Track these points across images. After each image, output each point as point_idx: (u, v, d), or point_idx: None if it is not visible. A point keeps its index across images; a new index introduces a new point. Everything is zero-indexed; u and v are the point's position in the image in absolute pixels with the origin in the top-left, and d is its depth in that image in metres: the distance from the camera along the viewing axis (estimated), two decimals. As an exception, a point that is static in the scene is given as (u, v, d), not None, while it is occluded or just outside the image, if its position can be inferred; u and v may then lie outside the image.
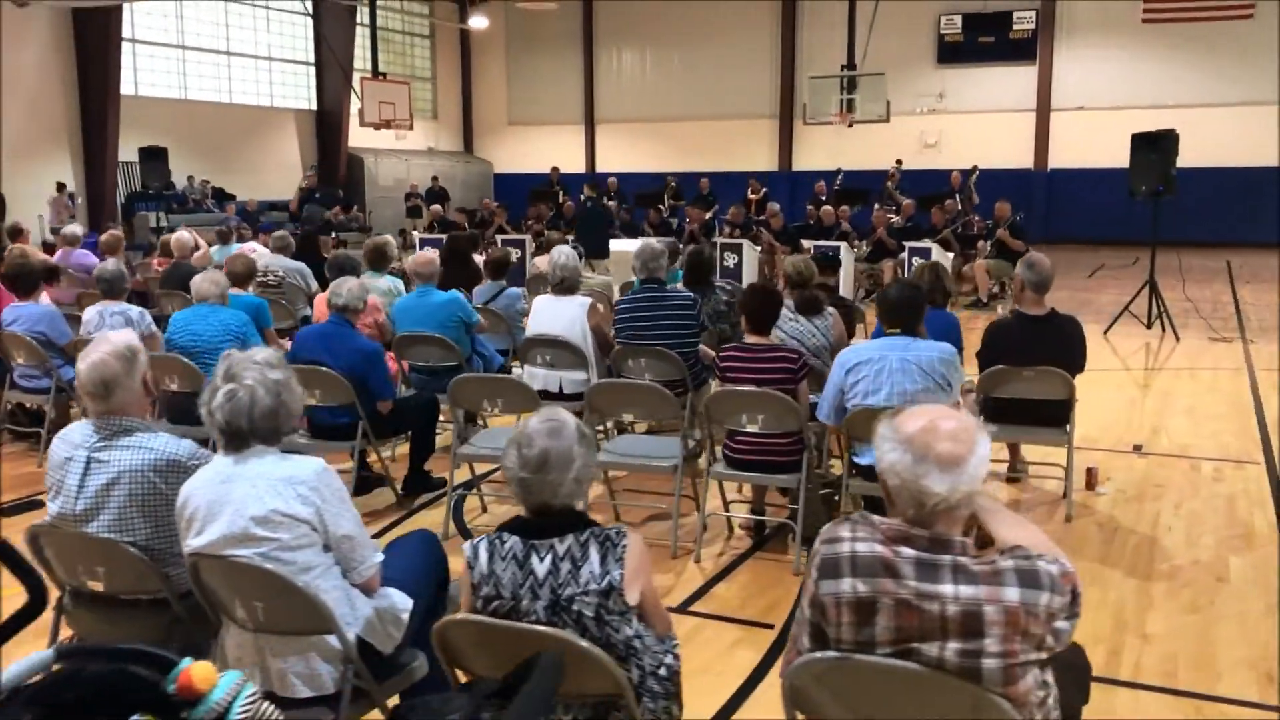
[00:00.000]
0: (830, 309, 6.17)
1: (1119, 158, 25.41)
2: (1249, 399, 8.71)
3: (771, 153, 29.56)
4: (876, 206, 16.53)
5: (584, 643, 2.38)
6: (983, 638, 2.13)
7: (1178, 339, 11.69)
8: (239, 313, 6.08)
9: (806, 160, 29.12)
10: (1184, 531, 5.61)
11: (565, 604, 2.45)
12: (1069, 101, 26.38)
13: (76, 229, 11.75)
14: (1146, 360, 10.78)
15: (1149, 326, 12.17)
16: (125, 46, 23.29)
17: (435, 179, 27.24)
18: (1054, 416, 5.82)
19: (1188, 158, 24.74)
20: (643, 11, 30.06)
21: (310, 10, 27.40)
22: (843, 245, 15.23)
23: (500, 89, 32.76)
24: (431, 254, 7.00)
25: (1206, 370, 10.09)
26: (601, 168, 30.69)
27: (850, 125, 23.99)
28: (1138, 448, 7.26)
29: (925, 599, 2.16)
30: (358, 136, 26.88)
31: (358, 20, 28.04)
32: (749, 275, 15.94)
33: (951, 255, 14.94)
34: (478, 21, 30.01)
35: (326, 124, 28.50)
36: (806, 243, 15.79)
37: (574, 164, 31.19)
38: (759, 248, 16.39)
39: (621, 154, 30.86)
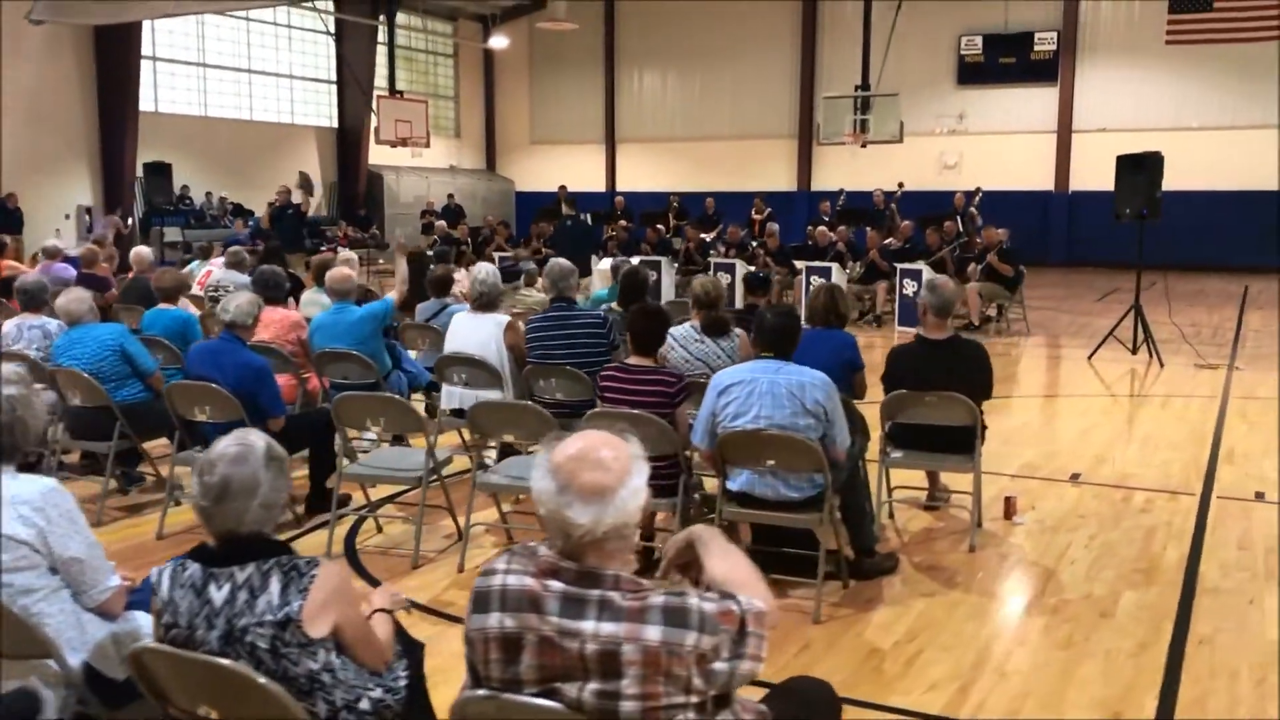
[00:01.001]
0: (738, 330, 6.05)
1: (1143, 180, 25.41)
2: (1212, 428, 8.47)
3: (791, 172, 29.45)
4: (869, 230, 16.32)
5: (259, 677, 2.29)
6: (620, 678, 2.02)
7: (1161, 365, 11.42)
8: (116, 326, 6.09)
9: (826, 180, 28.89)
10: (1087, 564, 5.42)
11: (239, 635, 2.36)
12: (1091, 123, 26.03)
13: (58, 243, 11.85)
14: (1124, 387, 10.54)
15: (1134, 352, 11.91)
16: (145, 64, 23.67)
17: (451, 196, 27.37)
18: (962, 443, 5.67)
19: (1212, 180, 24.64)
20: (664, 32, 30.11)
21: (332, 30, 27.71)
22: (834, 266, 15.10)
23: (523, 108, 32.91)
24: (349, 270, 6.96)
25: (1181, 398, 9.84)
26: (622, 186, 30.72)
27: (864, 145, 23.84)
28: (1075, 477, 7.07)
29: (566, 636, 2.06)
30: (381, 154, 27.06)
31: (379, 40, 28.34)
32: (741, 296, 15.85)
33: (945, 278, 14.72)
34: (498, 41, 30.18)
35: (347, 141, 28.73)
36: (800, 263, 15.69)
37: (595, 183, 31.31)
38: (753, 267, 16.26)
39: (642, 173, 30.87)
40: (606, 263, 16.30)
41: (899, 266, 14.79)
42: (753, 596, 2.23)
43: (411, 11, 29.73)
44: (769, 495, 4.78)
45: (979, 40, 26.93)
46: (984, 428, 5.86)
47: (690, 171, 29.80)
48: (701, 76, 30.13)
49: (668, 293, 16.42)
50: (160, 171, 17.61)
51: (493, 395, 6.39)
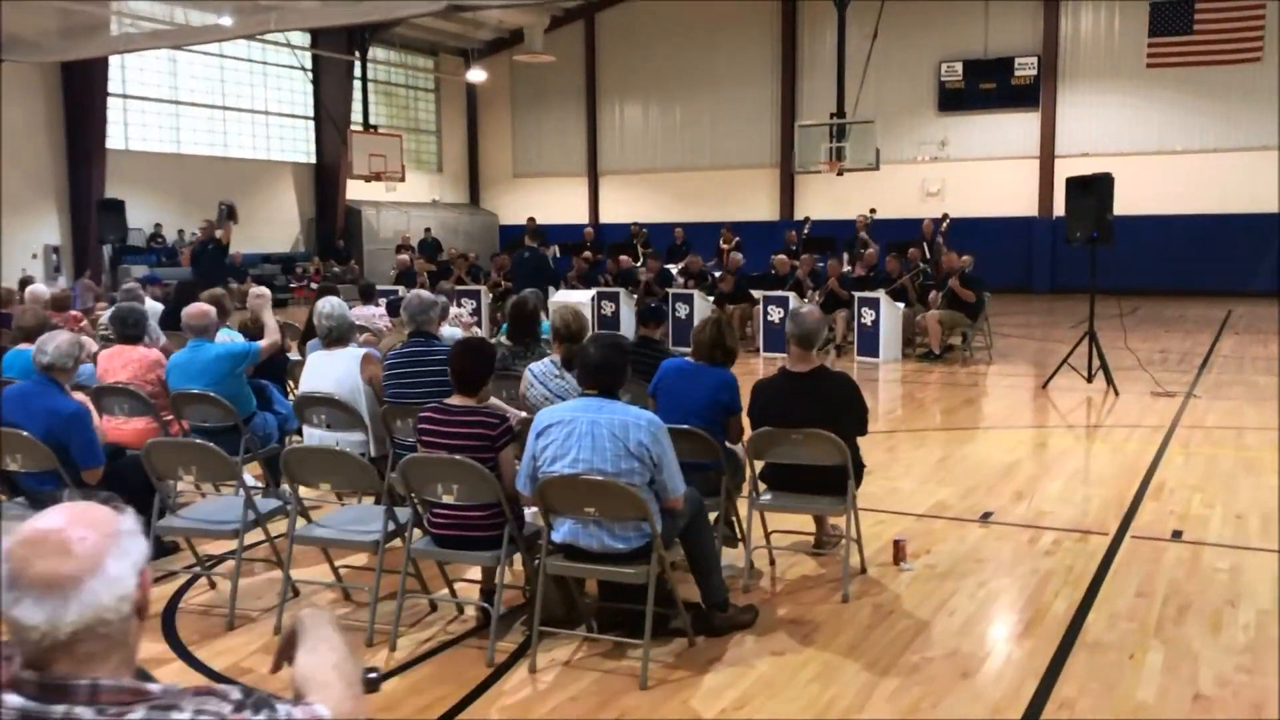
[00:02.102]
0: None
1: (1128, 205, 24.87)
2: (1148, 461, 8.02)
3: (773, 202, 29.17)
4: (829, 258, 15.95)
5: None
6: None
7: (1116, 394, 10.98)
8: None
9: (809, 209, 28.52)
10: (966, 616, 4.99)
11: None
12: (1073, 148, 25.63)
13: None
14: (1071, 417, 10.10)
15: (1089, 380, 11.47)
16: (116, 102, 23.52)
17: (428, 230, 27.14)
18: (838, 483, 5.25)
19: (1196, 204, 24.22)
20: (644, 65, 29.94)
21: (308, 66, 27.56)
22: (791, 295, 14.71)
23: (505, 142, 32.73)
24: (206, 306, 6.58)
25: (1125, 429, 9.39)
26: (605, 219, 30.51)
27: (840, 174, 23.48)
28: (986, 516, 6.63)
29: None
30: (362, 190, 26.81)
31: (356, 75, 28.18)
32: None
33: (902, 306, 14.34)
34: (476, 75, 30.02)
35: (325, 177, 28.53)
36: (756, 293, 15.31)
37: (578, 215, 31.07)
38: (711, 298, 15.89)
39: (625, 205, 30.58)
40: (564, 295, 15.98)
41: (856, 295, 14.40)
42: (325, 701, 1.82)
43: (391, 47, 29.63)
44: (593, 546, 4.37)
45: (959, 66, 26.66)
46: (860, 466, 5.45)
47: (673, 203, 29.57)
48: (682, 108, 29.94)
49: (626, 325, 16.08)
50: (113, 209, 17.32)
51: (354, 438, 6.01)
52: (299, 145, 28.47)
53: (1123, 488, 7.27)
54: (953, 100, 26.83)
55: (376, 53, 29.69)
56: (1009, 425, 9.67)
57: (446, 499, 4.51)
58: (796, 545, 6.01)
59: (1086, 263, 24.85)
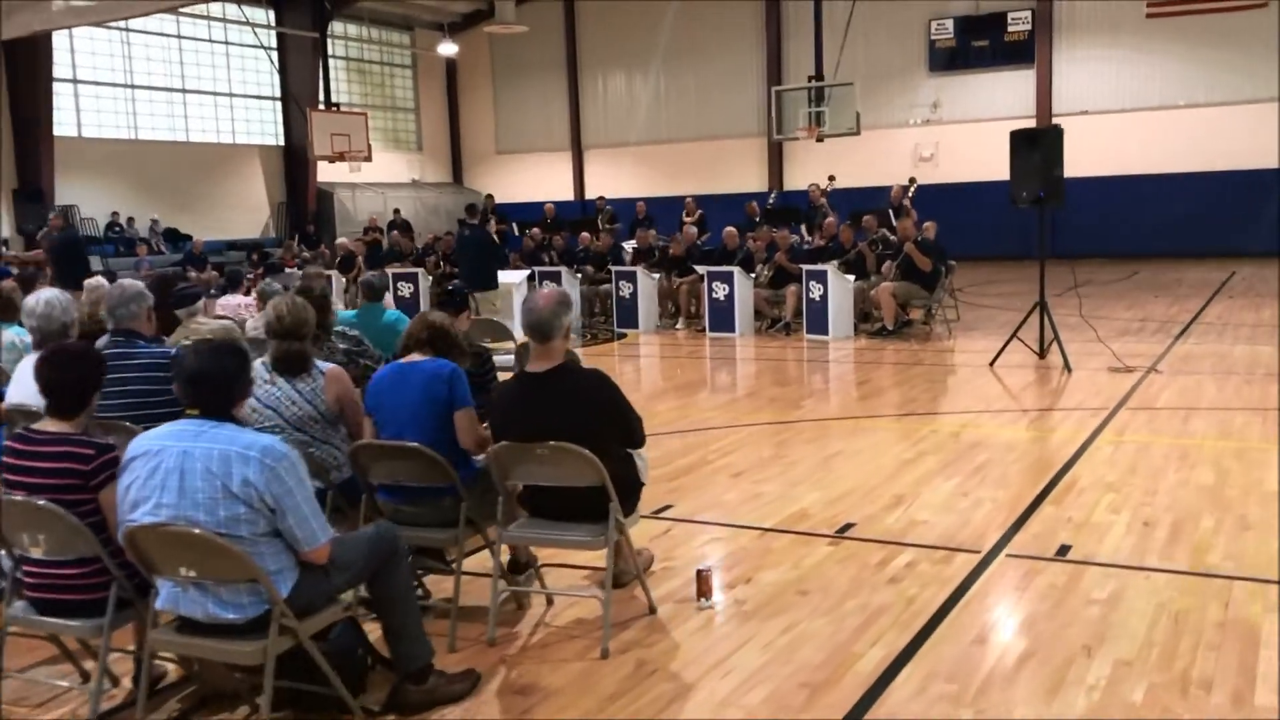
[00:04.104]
0: (326, 367, 4.61)
1: (1130, 164, 23.69)
2: (1069, 454, 6.89)
3: (762, 172, 27.95)
4: (764, 229, 14.82)
5: None
6: None
7: (1069, 370, 9.82)
8: None
9: (800, 178, 27.23)
10: (744, 676, 3.92)
11: None
12: (1072, 106, 24.32)
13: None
14: (1010, 400, 8.96)
15: (1041, 356, 10.32)
16: (65, 87, 22.64)
17: (397, 211, 26.10)
18: (597, 507, 4.19)
19: (1200, 161, 22.81)
20: (626, 34, 28.82)
21: (271, 44, 26.58)
22: (736, 270, 13.61)
23: (488, 118, 31.70)
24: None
25: (1063, 412, 8.27)
26: (591, 194, 29.35)
27: (820, 140, 22.33)
28: (844, 530, 5.55)
29: None
30: (338, 172, 25.74)
31: (329, 52, 27.19)
32: (645, 306, 14.43)
33: (853, 279, 13.18)
34: (447, 49, 28.92)
35: (294, 159, 27.55)
36: (700, 268, 14.21)
37: (564, 192, 30.03)
38: (655, 275, 14.81)
39: (611, 179, 29.49)
40: (513, 276, 14.94)
41: (804, 269, 13.26)
42: None
43: (360, 22, 28.61)
44: (198, 615, 3.32)
45: (950, 24, 25.37)
46: (635, 484, 4.39)
47: (661, 176, 28.50)
48: (666, 78, 28.80)
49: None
50: (33, 198, 16.42)
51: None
52: (266, 128, 27.51)
53: (1024, 489, 6.16)
54: (944, 60, 25.55)
55: (349, 29, 28.73)
56: (930, 411, 8.54)
57: (34, 552, 3.50)
58: (593, 579, 4.95)
59: (1088, 229, 24.06)
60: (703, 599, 4.60)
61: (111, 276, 18.71)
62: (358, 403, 4.66)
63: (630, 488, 4.31)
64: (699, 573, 4.67)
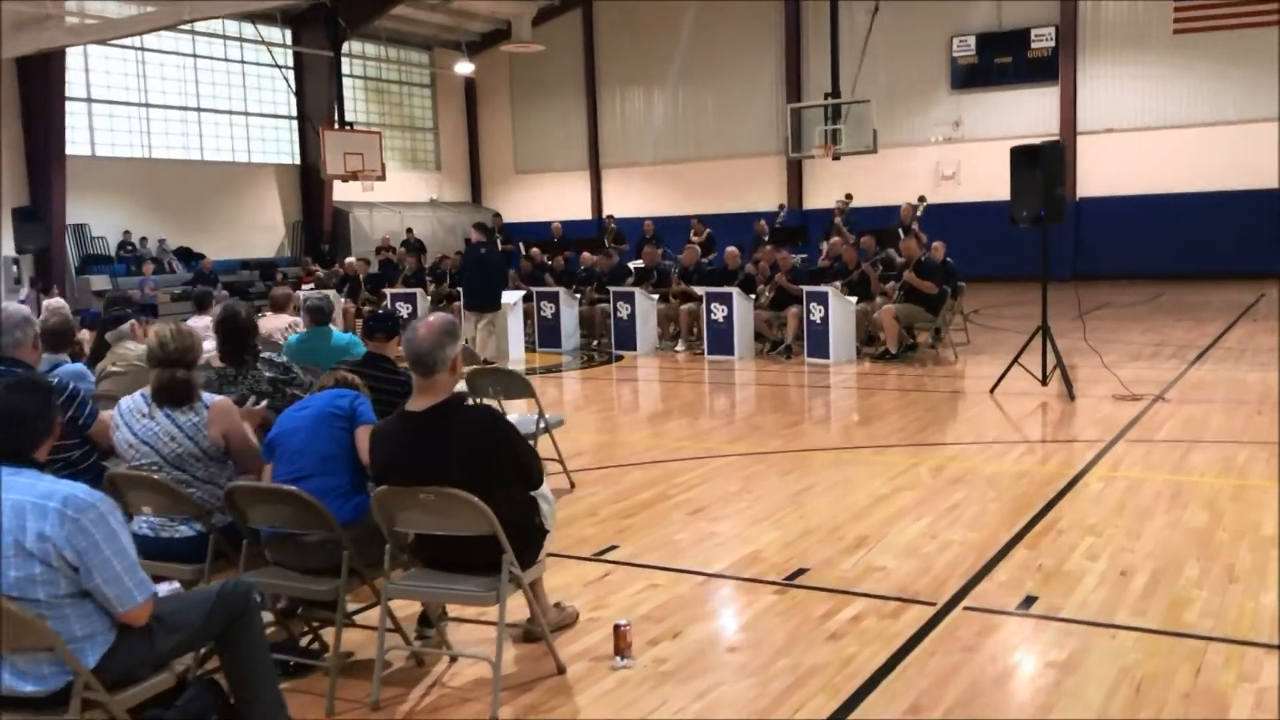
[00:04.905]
0: (211, 399, 4.25)
1: (1157, 183, 23.08)
2: (1054, 491, 6.43)
3: (781, 190, 27.50)
4: (767, 248, 14.39)
5: None
6: None
7: (1072, 398, 9.34)
8: None
9: (821, 197, 26.86)
10: (640, 751, 3.52)
11: None
12: (1097, 124, 23.85)
13: None
14: (1005, 430, 8.48)
15: (1044, 383, 9.83)
16: (79, 106, 22.63)
17: (410, 231, 25.84)
18: (493, 557, 3.80)
19: (1229, 180, 22.16)
20: (644, 52, 28.59)
21: (288, 64, 26.50)
22: (735, 291, 13.20)
23: (506, 138, 31.51)
24: None
25: (1055, 444, 7.80)
26: (609, 214, 29.03)
27: (836, 158, 21.96)
28: (794, 576, 5.13)
29: None
30: (355, 191, 25.45)
31: (345, 72, 27.08)
32: (643, 327, 14.05)
33: (855, 300, 12.73)
34: (463, 68, 28.78)
35: (310, 178, 27.41)
36: (700, 289, 13.82)
37: (581, 211, 29.81)
38: (655, 296, 14.43)
39: (629, 198, 29.26)
40: (509, 297, 14.58)
41: (805, 289, 12.82)
42: None
43: (377, 41, 28.51)
44: (-5, 686, 2.96)
45: (972, 40, 24.95)
46: (537, 532, 3.99)
47: (680, 195, 28.19)
48: (685, 97, 28.53)
49: (568, 328, 14.69)
50: (30, 217, 16.26)
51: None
52: (282, 147, 27.42)
53: (999, 530, 5.70)
54: (966, 77, 25.12)
55: (366, 49, 28.64)
56: (917, 442, 8.07)
57: None
58: (514, 624, 4.54)
59: (1110, 248, 23.45)
60: (619, 657, 4.19)
61: (129, 300, 18.56)
62: (247, 438, 4.31)
63: (529, 535, 3.92)
64: (617, 628, 4.25)
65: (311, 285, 18.38)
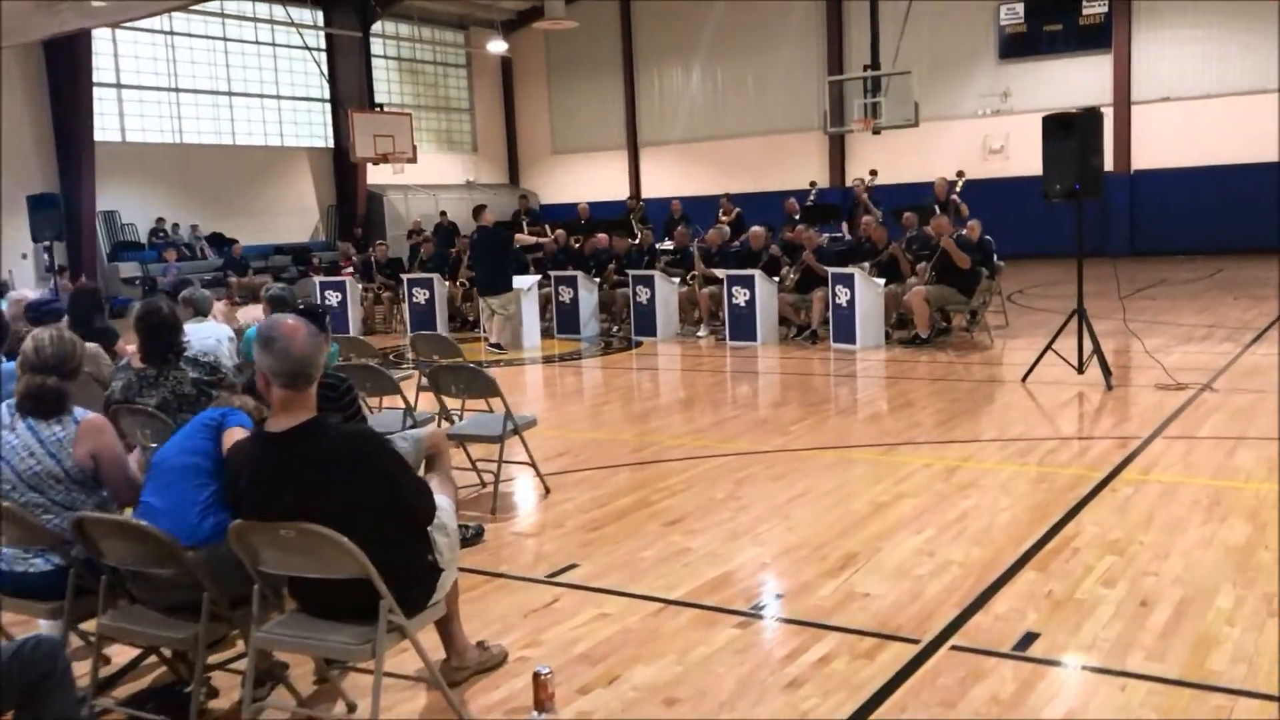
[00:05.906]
0: (83, 415, 3.71)
1: (1216, 154, 21.96)
2: (1076, 498, 5.74)
3: (823, 167, 26.67)
4: (800, 227, 13.67)
5: None
6: None
7: (1109, 387, 8.60)
8: None
9: (860, 173, 26.00)
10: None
11: None
12: (1152, 93, 22.80)
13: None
14: (1031, 425, 7.77)
15: (1080, 371, 9.07)
16: (108, 92, 22.43)
17: (444, 214, 25.36)
18: (373, 602, 3.22)
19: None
20: (682, 29, 27.87)
21: (314, 45, 26.11)
22: (758, 274, 12.54)
23: (543, 118, 30.95)
24: None
25: (1083, 441, 7.08)
26: (647, 193, 28.37)
27: (876, 132, 21.17)
28: (759, 607, 4.51)
29: None
30: (390, 174, 25.00)
31: (376, 53, 26.69)
32: (663, 312, 13.45)
33: (883, 282, 12.01)
34: (496, 46, 28.21)
35: (344, 161, 27.03)
36: (720, 272, 13.16)
37: (619, 191, 29.13)
38: (675, 279, 13.80)
39: (667, 178, 28.64)
40: (525, 281, 14.01)
41: (831, 271, 12.13)
42: None
43: (410, 20, 28.03)
44: None
45: (1020, 8, 24.00)
46: (428, 572, 3.41)
47: (718, 173, 27.43)
48: (724, 72, 27.80)
49: (585, 312, 14.11)
50: (46, 204, 15.99)
51: None
52: (315, 130, 27.09)
53: (1006, 546, 5.04)
54: (1014, 46, 24.15)
55: (400, 29, 28.18)
56: (932, 440, 7.38)
57: None
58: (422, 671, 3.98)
59: (1169, 222, 22.37)
60: (537, 711, 3.60)
61: (152, 283, 18.17)
62: (120, 460, 3.77)
63: (418, 577, 3.34)
64: (536, 676, 3.66)
65: (351, 271, 17.91)
